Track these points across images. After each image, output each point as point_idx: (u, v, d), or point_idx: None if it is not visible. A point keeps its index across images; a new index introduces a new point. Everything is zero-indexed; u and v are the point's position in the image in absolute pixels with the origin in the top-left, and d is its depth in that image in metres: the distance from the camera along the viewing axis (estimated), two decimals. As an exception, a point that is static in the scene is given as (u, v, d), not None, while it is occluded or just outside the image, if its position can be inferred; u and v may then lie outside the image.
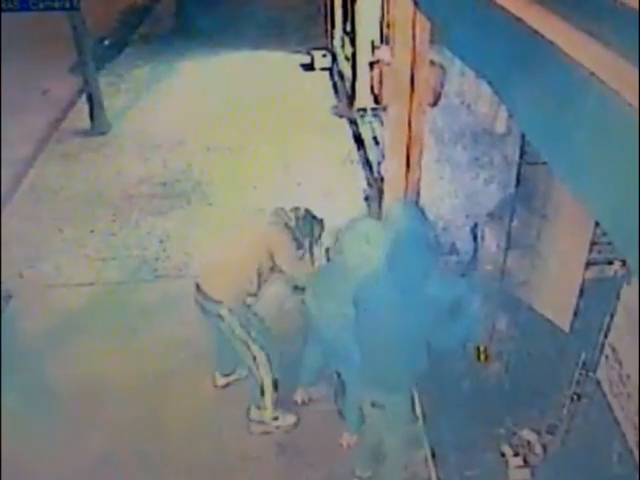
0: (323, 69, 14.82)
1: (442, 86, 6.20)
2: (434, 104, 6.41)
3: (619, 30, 2.11)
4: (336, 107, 13.15)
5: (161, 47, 16.42)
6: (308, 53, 14.99)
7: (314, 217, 6.53)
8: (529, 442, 5.74)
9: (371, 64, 9.42)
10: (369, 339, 4.95)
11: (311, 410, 6.65)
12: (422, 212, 5.39)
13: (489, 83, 3.40)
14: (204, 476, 6.17)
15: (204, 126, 12.30)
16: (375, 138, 11.04)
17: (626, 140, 1.99)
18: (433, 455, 6.03)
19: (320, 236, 6.58)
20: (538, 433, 5.69)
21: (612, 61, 2.13)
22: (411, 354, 4.91)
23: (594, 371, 4.71)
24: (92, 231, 9.54)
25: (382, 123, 10.59)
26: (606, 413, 4.59)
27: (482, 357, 5.85)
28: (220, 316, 6.01)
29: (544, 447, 5.60)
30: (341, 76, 13.88)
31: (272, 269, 6.09)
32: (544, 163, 4.48)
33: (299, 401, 6.71)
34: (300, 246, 6.27)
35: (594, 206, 2.36)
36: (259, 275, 5.99)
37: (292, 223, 6.18)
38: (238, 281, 6.03)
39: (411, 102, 6.47)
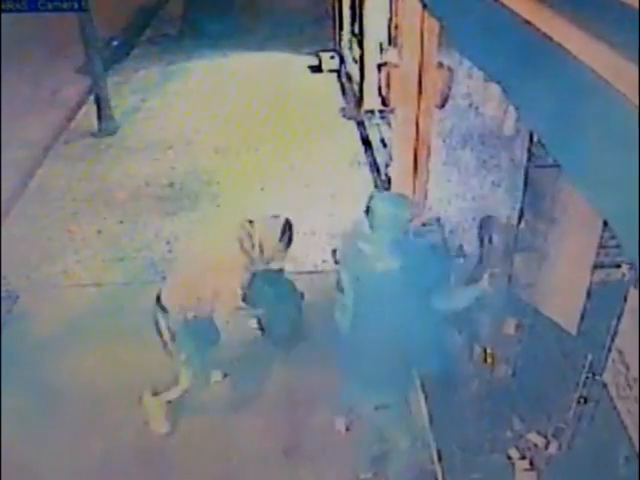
0: (331, 71, 14.82)
1: (450, 88, 6.20)
2: (442, 106, 6.41)
3: (625, 31, 2.11)
4: (344, 109, 13.15)
5: (169, 48, 16.46)
6: (316, 55, 15.00)
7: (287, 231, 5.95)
8: (536, 445, 5.73)
9: (379, 66, 9.40)
10: (370, 338, 4.95)
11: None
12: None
13: (498, 84, 3.41)
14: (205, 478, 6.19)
15: (212, 127, 12.32)
16: (383, 140, 11.04)
17: (632, 141, 1.99)
18: (439, 457, 6.02)
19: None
20: (545, 436, 5.68)
21: (618, 63, 2.13)
22: (412, 351, 4.93)
23: (601, 374, 4.70)
24: (99, 232, 9.55)
25: (390, 125, 10.60)
26: (613, 416, 4.58)
27: (489, 360, 5.84)
28: (155, 319, 5.93)
29: (550, 450, 5.59)
30: (349, 78, 13.89)
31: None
32: (552, 166, 4.48)
33: (342, 431, 6.39)
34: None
35: (602, 207, 2.36)
36: (215, 294, 5.72)
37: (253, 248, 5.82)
38: (186, 297, 5.84)
39: (419, 104, 6.47)
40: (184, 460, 6.24)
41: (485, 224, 5.85)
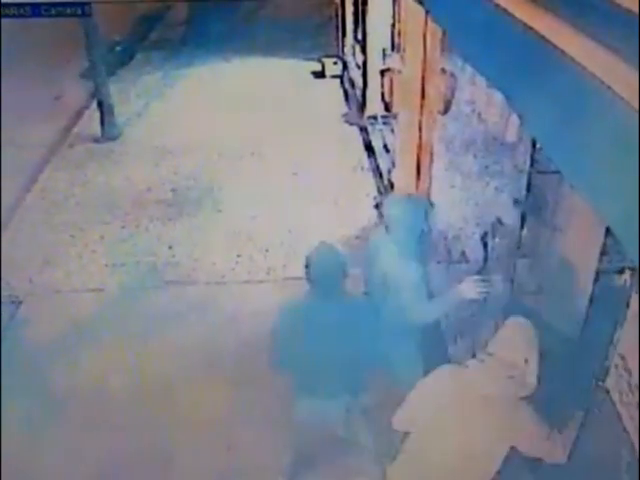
0: (334, 77, 14.85)
1: (453, 94, 6.20)
2: (444, 112, 6.41)
3: (626, 37, 2.11)
4: (347, 115, 13.16)
5: (172, 54, 16.49)
6: (319, 61, 15.03)
7: None
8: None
9: (382, 72, 9.43)
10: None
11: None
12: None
13: (500, 90, 3.41)
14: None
15: (214, 132, 12.33)
16: (385, 146, 11.05)
17: (632, 146, 2.00)
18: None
19: None
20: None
21: (619, 68, 2.13)
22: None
23: (603, 380, 4.69)
24: (102, 237, 9.56)
25: (392, 131, 10.60)
26: (615, 422, 4.57)
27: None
28: None
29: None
30: (352, 84, 13.90)
31: None
32: (554, 172, 4.48)
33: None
34: None
35: (604, 212, 2.37)
36: None
37: None
38: None
39: (421, 110, 6.49)
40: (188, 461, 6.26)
41: (488, 230, 5.85)
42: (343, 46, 14.85)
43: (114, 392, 6.86)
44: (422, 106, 6.50)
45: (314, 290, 4.96)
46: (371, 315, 5.05)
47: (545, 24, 2.71)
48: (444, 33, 5.77)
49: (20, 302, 8.19)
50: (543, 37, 2.66)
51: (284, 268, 8.76)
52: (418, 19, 6.12)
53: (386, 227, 5.43)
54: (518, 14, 2.96)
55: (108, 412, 6.70)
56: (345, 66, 14.64)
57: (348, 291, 5.05)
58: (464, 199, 6.47)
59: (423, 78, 6.35)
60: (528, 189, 4.90)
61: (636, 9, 2.09)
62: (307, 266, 4.93)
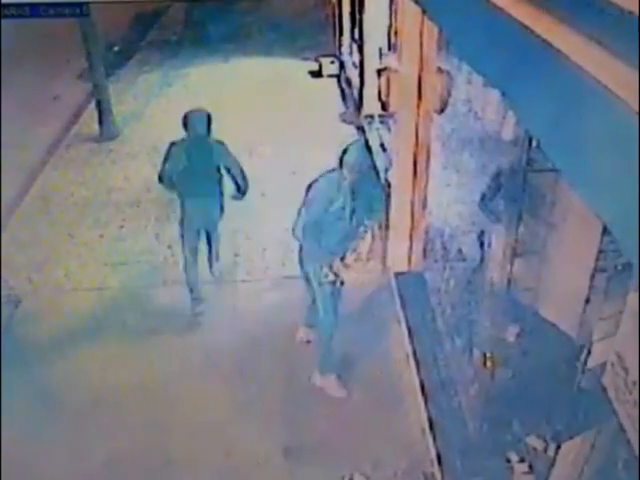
0: (331, 76, 14.84)
1: (449, 93, 6.23)
2: (441, 111, 6.44)
3: (625, 37, 2.13)
4: (344, 114, 13.17)
5: (170, 53, 16.50)
6: (316, 60, 15.02)
7: None
8: (535, 448, 5.73)
9: (379, 71, 9.43)
10: None
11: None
12: None
13: (497, 88, 3.44)
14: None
15: (212, 132, 12.31)
16: (382, 145, 11.05)
17: (632, 146, 2.02)
18: (439, 461, 6.04)
19: None
20: (544, 439, 5.68)
21: (618, 68, 2.16)
22: None
23: (600, 378, 4.71)
24: (101, 236, 9.59)
25: (389, 130, 10.62)
26: (612, 420, 4.59)
27: (489, 363, 5.86)
28: None
29: (549, 453, 5.60)
30: (349, 83, 13.91)
31: None
32: (550, 170, 4.51)
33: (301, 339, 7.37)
34: None
35: (602, 211, 2.39)
36: None
37: None
38: None
39: (418, 109, 6.51)
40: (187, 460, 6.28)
41: (484, 228, 5.88)
42: (340, 45, 14.85)
43: (113, 391, 6.88)
44: (419, 105, 6.52)
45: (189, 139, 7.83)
46: (224, 150, 8.12)
47: (542, 23, 2.73)
48: (440, 32, 5.80)
49: (19, 301, 8.21)
50: (540, 36, 2.68)
51: (282, 267, 8.79)
52: (415, 18, 6.14)
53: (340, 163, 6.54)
54: (515, 13, 2.98)
55: (105, 411, 6.72)
56: (342, 65, 14.64)
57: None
58: (461, 197, 6.50)
59: (420, 77, 6.37)
60: (524, 187, 4.93)
61: (635, 9, 2.11)
62: (184, 124, 8.07)
